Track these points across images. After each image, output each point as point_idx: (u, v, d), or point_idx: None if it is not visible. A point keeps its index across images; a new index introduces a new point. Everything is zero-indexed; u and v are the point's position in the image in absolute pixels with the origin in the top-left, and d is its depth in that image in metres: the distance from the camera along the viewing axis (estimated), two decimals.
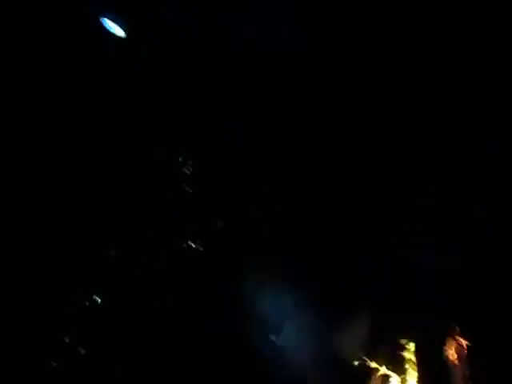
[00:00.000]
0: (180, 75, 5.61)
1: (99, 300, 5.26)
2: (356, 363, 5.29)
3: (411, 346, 5.38)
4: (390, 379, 5.34)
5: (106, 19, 5.10)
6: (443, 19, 5.43)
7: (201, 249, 5.50)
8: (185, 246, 5.47)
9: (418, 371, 5.26)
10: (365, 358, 5.31)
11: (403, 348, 5.40)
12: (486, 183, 5.23)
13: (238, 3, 5.54)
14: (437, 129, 5.44)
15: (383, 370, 5.31)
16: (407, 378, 5.33)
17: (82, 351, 5.17)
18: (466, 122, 5.36)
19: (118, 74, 5.45)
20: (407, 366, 5.36)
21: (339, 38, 5.55)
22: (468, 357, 5.07)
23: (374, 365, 5.31)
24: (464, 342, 5.11)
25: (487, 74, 5.29)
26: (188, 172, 5.49)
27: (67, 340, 5.14)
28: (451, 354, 5.12)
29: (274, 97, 5.67)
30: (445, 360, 5.13)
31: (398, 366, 5.36)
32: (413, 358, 5.36)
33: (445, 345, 5.16)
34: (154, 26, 5.49)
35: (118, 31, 5.16)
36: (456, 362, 5.11)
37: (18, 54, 5.19)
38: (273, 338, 5.28)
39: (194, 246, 5.48)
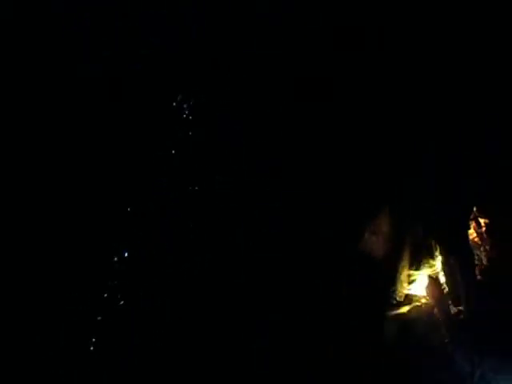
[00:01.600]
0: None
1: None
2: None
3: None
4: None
5: None
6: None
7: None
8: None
9: (443, 255, 5.38)
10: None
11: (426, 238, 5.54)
12: None
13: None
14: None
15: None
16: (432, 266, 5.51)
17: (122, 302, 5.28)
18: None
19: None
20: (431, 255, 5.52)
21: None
22: (488, 235, 5.29)
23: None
24: (483, 221, 5.31)
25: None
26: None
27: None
28: (473, 234, 5.32)
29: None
30: (468, 240, 5.29)
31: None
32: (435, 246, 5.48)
33: (467, 227, 5.27)
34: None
35: None
36: (477, 240, 5.34)
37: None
38: None
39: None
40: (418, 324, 5.29)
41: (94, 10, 5.31)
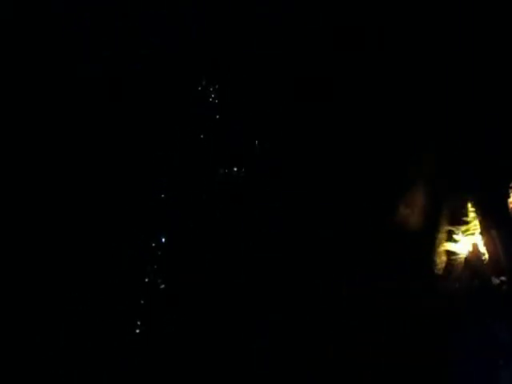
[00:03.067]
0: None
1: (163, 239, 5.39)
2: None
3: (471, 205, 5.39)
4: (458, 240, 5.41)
5: None
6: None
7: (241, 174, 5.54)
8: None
9: (482, 225, 5.27)
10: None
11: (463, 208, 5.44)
12: None
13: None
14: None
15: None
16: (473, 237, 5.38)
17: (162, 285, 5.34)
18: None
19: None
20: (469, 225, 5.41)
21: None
22: None
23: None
24: None
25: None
26: None
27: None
28: None
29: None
30: (508, 208, 5.16)
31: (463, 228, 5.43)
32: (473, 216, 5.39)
33: (507, 195, 5.17)
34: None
35: None
36: None
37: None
38: None
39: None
40: (457, 295, 5.20)
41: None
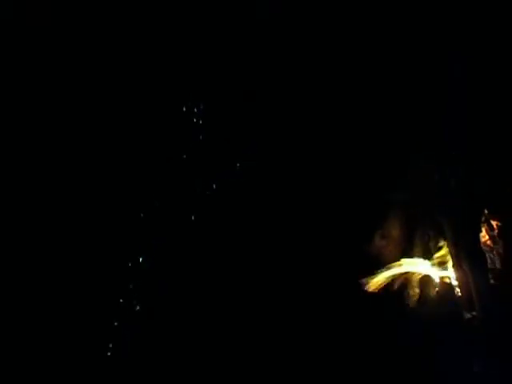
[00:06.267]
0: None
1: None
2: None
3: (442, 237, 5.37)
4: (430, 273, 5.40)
5: None
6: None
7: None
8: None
9: (454, 259, 5.19)
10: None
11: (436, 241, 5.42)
12: None
13: None
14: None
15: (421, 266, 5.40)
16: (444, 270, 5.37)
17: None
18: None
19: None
20: (442, 258, 5.38)
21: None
22: (501, 237, 5.20)
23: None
24: (495, 223, 5.21)
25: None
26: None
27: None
28: (485, 236, 5.21)
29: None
30: (480, 243, 5.16)
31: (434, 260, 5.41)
32: (445, 249, 5.35)
33: (479, 230, 5.19)
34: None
35: None
36: (490, 243, 5.23)
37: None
38: None
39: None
40: (432, 326, 5.17)
41: (94, 10, 5.38)
